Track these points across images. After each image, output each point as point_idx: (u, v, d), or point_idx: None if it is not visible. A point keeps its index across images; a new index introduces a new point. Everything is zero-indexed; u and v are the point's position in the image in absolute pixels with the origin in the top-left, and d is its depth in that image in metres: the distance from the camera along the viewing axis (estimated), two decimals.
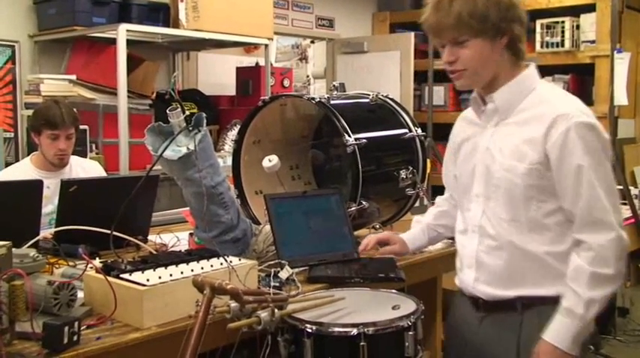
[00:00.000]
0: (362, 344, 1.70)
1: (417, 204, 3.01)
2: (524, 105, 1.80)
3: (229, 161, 3.02)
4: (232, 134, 4.62)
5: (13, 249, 1.65)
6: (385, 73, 6.09)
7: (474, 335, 1.91)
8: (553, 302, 1.74)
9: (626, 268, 1.74)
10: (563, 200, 1.73)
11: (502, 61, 1.79)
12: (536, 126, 1.74)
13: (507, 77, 1.81)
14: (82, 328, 1.61)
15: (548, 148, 1.72)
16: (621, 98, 4.53)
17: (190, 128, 2.22)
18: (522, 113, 1.79)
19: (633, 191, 3.96)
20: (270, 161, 2.62)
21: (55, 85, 4.13)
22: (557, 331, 1.71)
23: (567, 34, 5.66)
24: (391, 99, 2.97)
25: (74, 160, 3.26)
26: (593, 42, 5.56)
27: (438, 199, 2.27)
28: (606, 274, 1.69)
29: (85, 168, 3.32)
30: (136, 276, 1.79)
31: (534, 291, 1.79)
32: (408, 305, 1.86)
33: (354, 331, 1.72)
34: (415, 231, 2.32)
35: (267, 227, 2.37)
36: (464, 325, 1.95)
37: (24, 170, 3.17)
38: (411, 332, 1.77)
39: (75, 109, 3.24)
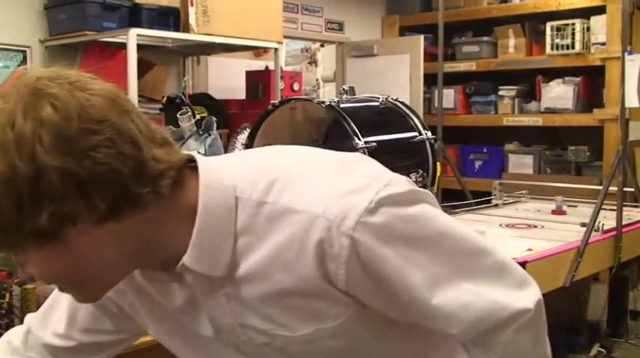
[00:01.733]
0: None
1: None
2: (244, 240, 0.97)
3: None
4: (242, 138, 4.62)
5: None
6: (395, 76, 6.09)
7: None
8: None
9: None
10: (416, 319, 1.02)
11: (129, 233, 0.93)
12: (295, 265, 0.95)
13: (176, 225, 0.97)
14: None
15: (339, 288, 0.96)
16: (632, 100, 4.50)
17: (201, 132, 2.24)
18: (250, 256, 0.98)
19: None
20: None
21: None
22: None
23: (577, 36, 5.64)
24: (401, 103, 2.97)
25: None
26: (603, 44, 5.54)
27: None
28: None
29: None
30: None
31: None
32: None
33: None
34: None
35: None
36: None
37: None
38: None
39: None
